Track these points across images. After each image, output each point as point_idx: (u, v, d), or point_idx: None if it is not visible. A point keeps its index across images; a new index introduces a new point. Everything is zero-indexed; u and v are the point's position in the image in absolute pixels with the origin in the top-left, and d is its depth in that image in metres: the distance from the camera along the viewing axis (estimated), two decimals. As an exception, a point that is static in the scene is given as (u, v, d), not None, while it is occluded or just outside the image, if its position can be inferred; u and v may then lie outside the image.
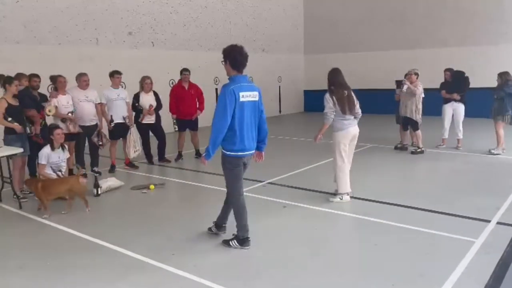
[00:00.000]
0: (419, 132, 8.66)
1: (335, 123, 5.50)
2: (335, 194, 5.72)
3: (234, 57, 3.98)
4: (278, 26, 16.53)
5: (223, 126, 3.89)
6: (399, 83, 8.76)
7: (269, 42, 16.18)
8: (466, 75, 8.99)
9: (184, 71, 8.35)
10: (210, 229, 4.59)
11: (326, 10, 16.95)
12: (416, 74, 8.59)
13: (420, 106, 8.55)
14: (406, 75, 8.70)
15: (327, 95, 5.45)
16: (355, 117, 5.58)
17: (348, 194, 5.61)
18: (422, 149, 8.61)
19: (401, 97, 8.77)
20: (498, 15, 13.51)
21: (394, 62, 14.95)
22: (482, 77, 12.14)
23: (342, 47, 16.47)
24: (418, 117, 8.55)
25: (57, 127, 6.21)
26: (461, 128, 8.91)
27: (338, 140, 5.53)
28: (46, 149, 5.92)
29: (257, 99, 4.10)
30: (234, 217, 4.28)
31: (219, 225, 4.55)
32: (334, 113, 5.42)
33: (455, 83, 8.92)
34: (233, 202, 4.26)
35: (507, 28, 13.38)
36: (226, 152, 4.07)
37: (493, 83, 8.76)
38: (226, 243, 4.28)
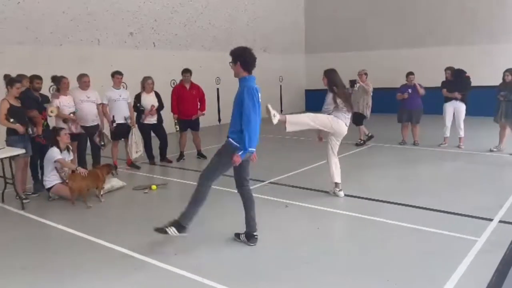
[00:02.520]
0: (363, 127, 9.56)
1: (339, 115, 5.57)
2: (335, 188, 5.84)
3: (246, 59, 4.09)
4: (279, 26, 16.51)
5: (257, 123, 4.01)
6: (353, 82, 9.30)
7: (270, 42, 16.17)
8: (467, 74, 8.96)
9: (185, 72, 8.34)
10: (238, 236, 4.40)
11: (327, 9, 16.93)
12: (366, 74, 9.46)
13: (370, 103, 9.41)
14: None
15: (331, 96, 5.54)
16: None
17: (340, 189, 5.79)
18: (364, 141, 9.58)
19: (353, 95, 9.29)
20: (500, 13, 13.47)
21: (395, 61, 14.92)
22: (484, 76, 12.13)
23: (343, 46, 16.44)
24: (367, 112, 9.45)
25: (62, 128, 6.28)
26: (462, 126, 8.89)
27: (336, 128, 5.59)
28: (54, 149, 5.97)
29: (261, 100, 4.21)
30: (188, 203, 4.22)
31: (250, 234, 4.33)
32: (330, 111, 5.56)
33: (456, 82, 8.90)
34: (201, 187, 4.19)
35: (509, 27, 13.35)
36: (238, 144, 4.05)
37: (494, 81, 8.72)
38: (160, 230, 4.16)
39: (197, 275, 3.70)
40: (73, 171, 5.98)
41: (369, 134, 9.76)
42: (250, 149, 4.02)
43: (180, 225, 4.16)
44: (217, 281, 3.58)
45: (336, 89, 5.51)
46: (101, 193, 6.07)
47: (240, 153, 4.02)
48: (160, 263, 3.95)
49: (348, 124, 5.68)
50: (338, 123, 5.52)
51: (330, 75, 5.60)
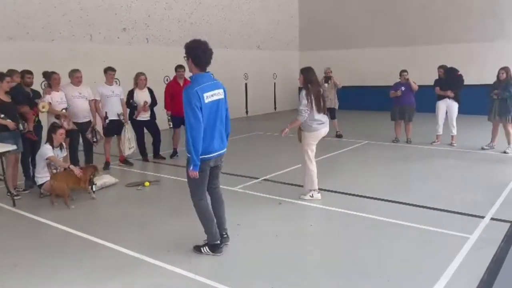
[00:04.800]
0: (336, 120, 10.23)
1: (307, 124, 5.46)
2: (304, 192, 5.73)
3: (197, 55, 3.74)
4: (273, 23, 16.49)
5: (199, 131, 3.68)
6: (327, 79, 10.02)
7: (264, 38, 16.14)
8: (459, 72, 9.00)
9: (179, 68, 8.30)
10: (199, 248, 4.14)
11: (321, 6, 16.93)
12: (331, 71, 10.23)
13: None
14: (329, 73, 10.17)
15: (305, 92, 5.40)
16: (326, 115, 5.63)
17: (318, 192, 5.63)
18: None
19: (326, 90, 9.75)
20: (493, 11, 13.53)
21: (389, 59, 14.98)
22: (477, 74, 12.21)
23: (337, 43, 16.46)
24: (337, 104, 10.28)
25: (60, 126, 6.20)
26: (455, 124, 8.94)
27: (308, 141, 5.53)
28: (47, 146, 5.94)
29: (222, 96, 3.89)
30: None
31: (220, 234, 4.14)
32: (308, 112, 5.38)
33: (449, 81, 8.94)
34: (195, 207, 4.01)
35: (502, 25, 13.42)
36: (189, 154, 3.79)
37: (487, 80, 8.75)
38: (197, 249, 4.06)
39: (189, 272, 3.69)
40: (65, 169, 5.93)
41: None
42: (194, 162, 3.70)
43: (211, 245, 4.01)
44: (209, 278, 3.57)
45: (310, 86, 5.42)
46: (93, 190, 6.01)
47: (191, 167, 3.74)
48: (154, 260, 3.93)
49: (326, 124, 5.58)
50: (319, 132, 5.51)
51: (306, 73, 5.48)
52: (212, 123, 3.82)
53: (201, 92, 3.69)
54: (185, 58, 3.81)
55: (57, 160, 6.00)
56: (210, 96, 3.76)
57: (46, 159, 5.90)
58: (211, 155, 3.86)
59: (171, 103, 8.22)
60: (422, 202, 5.36)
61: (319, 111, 5.43)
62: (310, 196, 5.59)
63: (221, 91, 3.89)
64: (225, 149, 4.03)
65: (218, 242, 4.02)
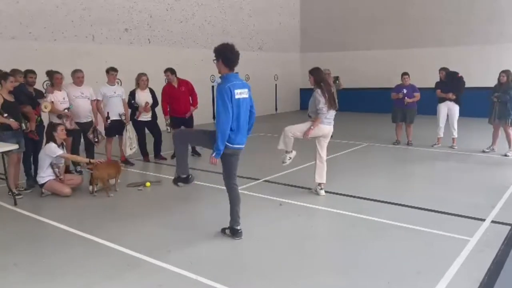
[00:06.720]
0: None
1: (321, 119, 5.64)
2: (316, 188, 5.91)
3: (226, 56, 4.12)
4: (275, 24, 16.52)
5: (227, 124, 4.04)
6: (336, 78, 10.37)
7: (266, 40, 16.17)
8: (460, 75, 9.01)
9: (164, 72, 8.19)
10: (224, 230, 4.52)
11: (322, 8, 16.96)
12: (330, 72, 10.07)
13: None
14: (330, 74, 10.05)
15: (320, 91, 5.56)
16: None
17: (321, 188, 5.82)
18: None
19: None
20: (494, 14, 13.55)
21: (390, 61, 14.99)
22: (478, 77, 12.23)
23: (338, 45, 16.48)
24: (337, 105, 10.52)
25: (59, 124, 6.29)
26: (456, 127, 8.95)
27: (315, 133, 5.69)
28: (53, 145, 6.00)
29: (247, 96, 4.25)
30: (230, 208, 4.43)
31: (234, 228, 4.44)
32: (327, 108, 5.57)
33: (450, 83, 8.95)
34: (227, 190, 4.40)
35: (503, 28, 13.44)
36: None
37: (488, 83, 8.76)
38: (222, 231, 4.48)
39: (190, 272, 3.69)
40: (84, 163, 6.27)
41: None
42: (218, 151, 4.10)
43: (232, 229, 4.40)
44: (211, 278, 3.57)
45: (323, 85, 5.59)
46: (95, 189, 6.06)
47: (214, 154, 4.13)
48: (154, 260, 3.94)
49: (331, 123, 5.74)
50: (324, 127, 5.67)
51: (316, 73, 5.67)
52: (242, 118, 4.20)
53: (233, 88, 4.08)
54: (214, 60, 4.17)
55: (71, 156, 6.33)
56: (239, 94, 4.14)
57: (56, 156, 5.99)
58: (241, 145, 4.28)
59: (170, 106, 8.16)
60: (423, 204, 5.37)
61: (330, 108, 5.62)
62: (315, 190, 5.82)
63: (246, 90, 4.24)
64: (243, 145, 4.37)
65: (239, 227, 4.38)
